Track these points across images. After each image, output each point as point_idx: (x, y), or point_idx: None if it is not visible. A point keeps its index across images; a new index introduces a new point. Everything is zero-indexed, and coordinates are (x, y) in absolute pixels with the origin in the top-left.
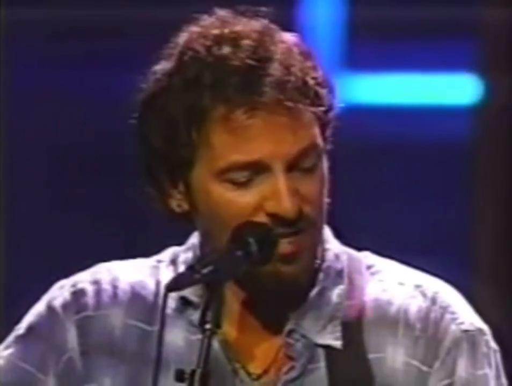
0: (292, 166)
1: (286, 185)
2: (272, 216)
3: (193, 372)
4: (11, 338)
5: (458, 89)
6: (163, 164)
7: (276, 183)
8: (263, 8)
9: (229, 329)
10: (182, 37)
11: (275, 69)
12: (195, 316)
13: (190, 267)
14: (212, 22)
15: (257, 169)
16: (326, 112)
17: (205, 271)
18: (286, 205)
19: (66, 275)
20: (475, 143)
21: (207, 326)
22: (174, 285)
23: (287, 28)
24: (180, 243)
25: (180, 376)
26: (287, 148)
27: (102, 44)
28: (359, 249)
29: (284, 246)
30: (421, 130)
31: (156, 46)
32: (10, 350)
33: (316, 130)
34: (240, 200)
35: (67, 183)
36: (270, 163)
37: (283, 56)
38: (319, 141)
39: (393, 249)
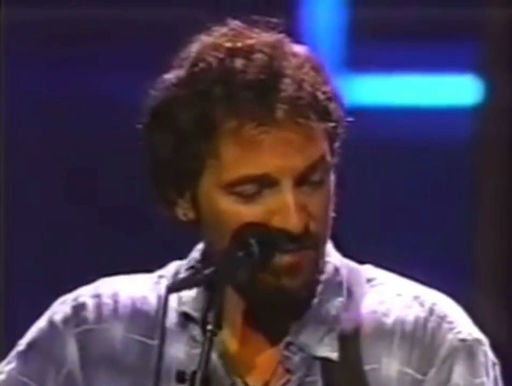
0: (300, 181)
1: (294, 201)
2: (279, 230)
3: (194, 373)
4: (12, 353)
5: (460, 90)
6: (170, 174)
7: (283, 197)
8: (275, 20)
9: (229, 340)
10: (194, 47)
11: (287, 84)
12: (197, 331)
13: (192, 268)
14: (224, 34)
15: (266, 182)
16: (334, 126)
17: (206, 271)
18: (293, 221)
19: (65, 290)
20: (477, 144)
21: (209, 327)
22: (175, 286)
23: (289, 29)
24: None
25: (180, 377)
26: (296, 163)
27: (102, 45)
28: (360, 261)
29: (288, 259)
30: (421, 131)
31: (157, 47)
32: (11, 366)
33: (325, 145)
34: (247, 213)
35: (67, 184)
36: (279, 177)
37: (295, 71)
38: (328, 156)
39: (389, 251)
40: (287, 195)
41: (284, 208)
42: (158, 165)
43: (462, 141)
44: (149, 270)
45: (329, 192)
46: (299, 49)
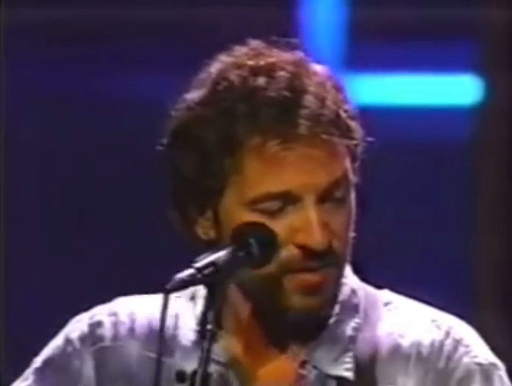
0: (323, 198)
1: (317, 218)
2: (302, 248)
3: (194, 373)
4: (29, 370)
5: (459, 89)
6: (192, 192)
7: (307, 215)
8: (295, 40)
9: (244, 356)
10: (215, 67)
11: (310, 101)
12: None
13: (190, 267)
14: (246, 53)
15: (289, 199)
16: (355, 145)
17: (206, 271)
18: (317, 238)
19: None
20: (476, 143)
21: (208, 327)
22: (175, 286)
23: (288, 29)
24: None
25: (180, 377)
26: (319, 179)
27: (102, 45)
28: (377, 286)
29: (309, 277)
30: (420, 131)
31: (158, 47)
32: (27, 382)
33: (347, 162)
34: None
35: (67, 184)
36: (302, 194)
37: (317, 89)
38: (350, 174)
39: (385, 252)
40: (310, 212)
41: (307, 226)
42: (180, 184)
43: (461, 141)
44: (147, 268)
45: (350, 210)
46: (319, 67)
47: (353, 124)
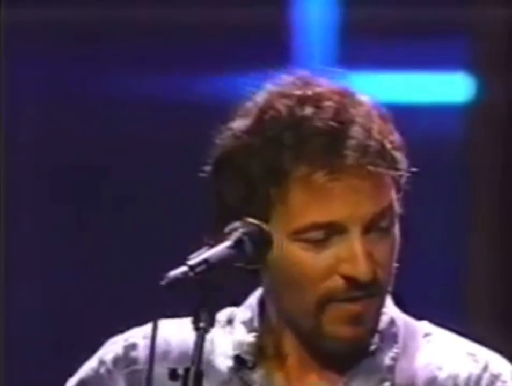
0: (368, 229)
1: (362, 249)
2: (347, 279)
3: (187, 370)
4: None
5: (451, 88)
6: (236, 220)
7: (352, 245)
8: (339, 69)
9: (284, 383)
10: (261, 96)
11: (357, 132)
12: (248, 376)
13: (184, 264)
14: (293, 82)
15: (334, 230)
16: (400, 176)
17: (199, 269)
18: (363, 269)
19: None
20: (468, 142)
21: (201, 324)
22: (169, 283)
23: (281, 27)
24: None
25: (173, 374)
26: (366, 211)
27: (102, 45)
28: (417, 317)
29: (352, 307)
30: (412, 129)
31: (158, 46)
32: None
33: (393, 193)
34: (315, 261)
35: (67, 184)
36: (348, 225)
37: (363, 119)
38: (395, 204)
39: None
40: (355, 244)
41: (353, 257)
42: (224, 212)
43: (453, 139)
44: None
45: (394, 240)
46: (364, 98)
47: (398, 155)
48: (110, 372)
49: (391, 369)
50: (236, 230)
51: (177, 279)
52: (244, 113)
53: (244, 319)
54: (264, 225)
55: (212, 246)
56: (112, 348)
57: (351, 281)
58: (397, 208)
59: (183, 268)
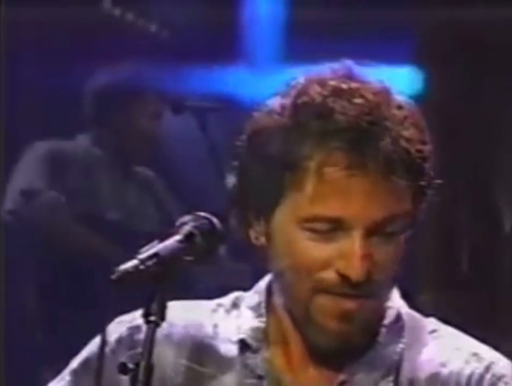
0: (372, 232)
1: (361, 249)
2: (341, 275)
3: (137, 364)
4: (66, 370)
5: (397, 81)
6: (252, 197)
7: (352, 244)
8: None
9: (284, 372)
10: (302, 80)
11: (383, 135)
12: (251, 360)
13: (134, 258)
14: (333, 72)
15: (339, 225)
16: (423, 186)
17: (149, 262)
18: (356, 269)
19: None
20: None
21: (152, 318)
22: (119, 278)
23: (229, 25)
24: None
25: (122, 369)
26: (372, 214)
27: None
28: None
29: (343, 303)
30: None
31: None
32: (63, 383)
33: (409, 202)
34: (315, 252)
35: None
36: (352, 224)
37: (393, 124)
38: (410, 213)
39: None
40: (356, 244)
41: (350, 255)
42: (243, 186)
43: None
44: None
45: (399, 244)
46: (404, 102)
47: (424, 166)
48: (114, 353)
49: (396, 363)
50: (187, 224)
51: (127, 273)
52: (284, 93)
53: (251, 304)
54: (215, 220)
55: (162, 239)
56: (116, 328)
57: (344, 278)
58: (416, 216)
59: (134, 262)
